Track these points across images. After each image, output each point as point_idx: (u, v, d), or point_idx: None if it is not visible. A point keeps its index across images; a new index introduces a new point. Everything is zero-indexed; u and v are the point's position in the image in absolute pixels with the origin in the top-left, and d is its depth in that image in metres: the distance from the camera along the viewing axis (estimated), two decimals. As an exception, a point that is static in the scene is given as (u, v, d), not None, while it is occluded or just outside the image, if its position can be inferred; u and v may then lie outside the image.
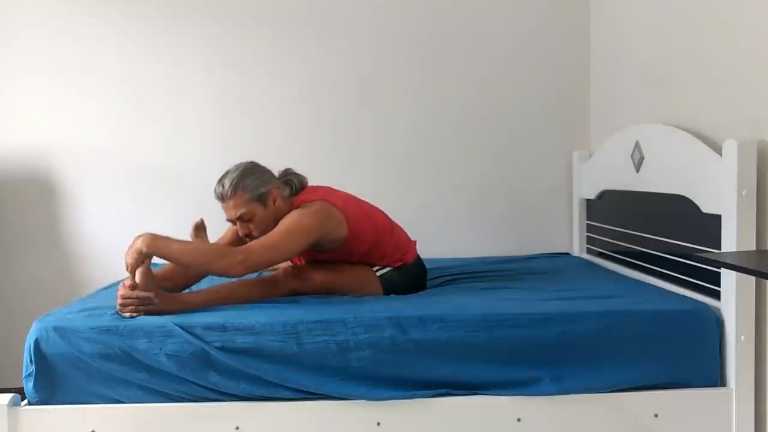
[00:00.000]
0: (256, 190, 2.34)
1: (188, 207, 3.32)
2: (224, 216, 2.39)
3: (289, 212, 2.37)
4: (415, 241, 2.67)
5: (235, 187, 2.32)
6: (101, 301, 2.41)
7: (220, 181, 2.35)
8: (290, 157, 3.34)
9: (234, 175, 2.34)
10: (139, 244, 2.17)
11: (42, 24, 3.29)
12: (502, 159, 3.42)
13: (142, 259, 2.18)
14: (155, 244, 2.18)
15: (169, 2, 3.32)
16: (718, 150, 2.20)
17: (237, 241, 2.46)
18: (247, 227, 2.35)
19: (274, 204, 2.38)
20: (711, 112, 2.38)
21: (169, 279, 2.39)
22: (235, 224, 2.39)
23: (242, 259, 2.19)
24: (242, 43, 3.35)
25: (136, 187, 3.35)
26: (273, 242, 2.26)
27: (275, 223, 2.33)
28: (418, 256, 2.65)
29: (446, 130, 3.39)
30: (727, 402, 2.13)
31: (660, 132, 2.59)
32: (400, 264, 2.55)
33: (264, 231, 2.32)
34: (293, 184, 2.48)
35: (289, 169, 2.52)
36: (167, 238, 2.20)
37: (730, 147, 2.12)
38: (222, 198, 2.34)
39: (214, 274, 2.34)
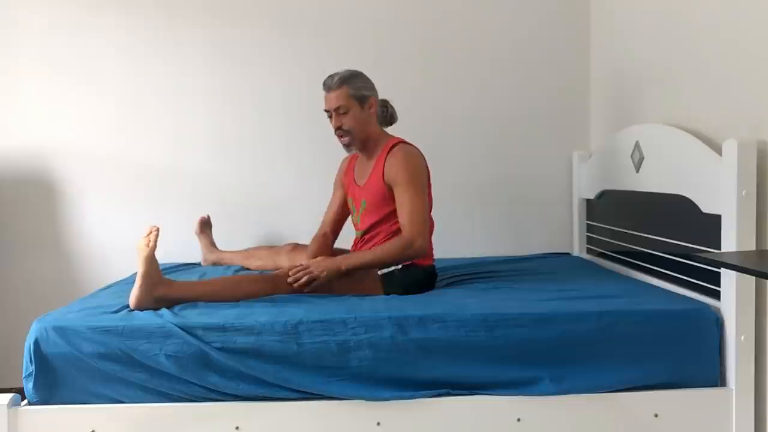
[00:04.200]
0: (359, 91, 2.59)
1: (188, 207, 3.32)
2: (323, 107, 2.63)
3: (378, 136, 2.66)
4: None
5: (343, 82, 2.57)
6: (101, 301, 2.42)
7: (332, 75, 2.59)
8: (292, 156, 3.36)
9: (345, 72, 2.59)
10: (342, 268, 2.45)
11: (42, 24, 3.28)
12: (502, 159, 3.42)
13: (332, 279, 2.44)
14: (349, 263, 2.47)
15: (170, 2, 3.32)
16: (718, 150, 2.20)
17: (341, 212, 2.85)
18: (340, 120, 2.59)
19: (369, 110, 2.62)
20: (711, 112, 2.38)
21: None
22: (330, 116, 2.62)
23: (416, 233, 2.47)
24: (243, 43, 3.35)
25: (137, 187, 3.34)
26: (416, 208, 2.50)
27: (365, 126, 2.60)
28: (434, 267, 2.66)
29: (446, 130, 3.39)
30: (727, 402, 2.13)
31: (660, 132, 2.59)
32: (409, 262, 2.56)
33: (353, 128, 2.59)
34: (387, 109, 2.71)
35: (388, 101, 2.74)
36: (350, 257, 2.51)
37: (730, 147, 2.12)
38: (328, 88, 2.59)
39: (400, 261, 2.52)
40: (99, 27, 3.30)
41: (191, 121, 3.36)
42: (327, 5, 3.36)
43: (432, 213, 2.71)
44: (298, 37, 3.36)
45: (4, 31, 3.28)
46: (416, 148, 2.65)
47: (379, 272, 2.53)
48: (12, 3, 3.27)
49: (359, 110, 2.59)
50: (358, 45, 3.36)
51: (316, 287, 2.43)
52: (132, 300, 2.25)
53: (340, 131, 2.61)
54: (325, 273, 2.42)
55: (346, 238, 2.88)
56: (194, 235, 3.22)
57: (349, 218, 2.83)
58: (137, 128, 3.34)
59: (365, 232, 2.66)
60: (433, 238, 2.69)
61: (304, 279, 2.41)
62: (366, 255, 2.50)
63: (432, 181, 2.69)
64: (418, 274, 2.57)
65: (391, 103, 2.74)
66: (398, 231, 2.56)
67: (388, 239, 2.58)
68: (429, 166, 2.66)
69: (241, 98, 3.36)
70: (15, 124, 3.30)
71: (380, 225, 2.61)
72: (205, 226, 3.23)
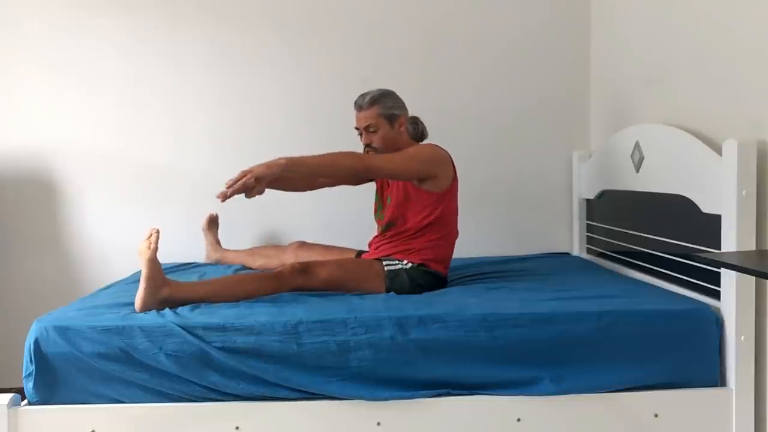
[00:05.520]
0: (389, 110, 2.66)
1: (188, 207, 3.32)
2: (354, 124, 2.70)
3: (407, 147, 2.68)
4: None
5: (373, 102, 2.64)
6: (101, 300, 2.42)
7: (363, 94, 2.67)
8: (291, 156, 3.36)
9: (376, 92, 2.67)
10: (282, 161, 2.33)
11: (43, 24, 3.28)
12: (502, 159, 3.42)
13: (275, 174, 2.32)
14: (294, 161, 2.37)
15: (170, 3, 3.32)
16: (718, 150, 2.20)
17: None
18: (370, 138, 2.66)
19: (399, 128, 2.69)
20: (711, 112, 2.38)
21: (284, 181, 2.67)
22: (360, 134, 2.69)
23: (365, 157, 2.57)
24: (243, 43, 3.35)
25: (137, 187, 3.34)
26: (394, 157, 2.59)
27: (394, 144, 2.66)
28: (446, 277, 2.66)
29: (446, 130, 3.37)
30: (727, 402, 2.13)
31: (660, 132, 2.59)
32: (420, 262, 2.57)
33: (382, 146, 2.65)
34: (417, 126, 2.79)
35: (418, 117, 2.82)
36: (300, 157, 2.40)
37: (730, 147, 2.12)
38: (359, 108, 2.67)
39: (342, 172, 2.62)
40: (99, 27, 3.30)
41: (191, 121, 3.35)
42: (326, 5, 3.36)
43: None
44: (298, 37, 3.36)
45: (4, 31, 3.28)
46: (440, 147, 2.67)
47: (385, 269, 2.54)
48: (13, 3, 3.27)
49: (388, 129, 2.66)
50: (358, 45, 3.36)
51: (254, 184, 2.31)
52: (137, 303, 2.24)
53: (368, 148, 2.67)
54: (263, 168, 2.30)
55: (363, 235, 2.90)
56: (201, 231, 3.24)
57: (372, 214, 2.84)
58: (137, 128, 3.34)
59: (387, 228, 2.68)
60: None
61: (239, 182, 2.29)
62: (314, 156, 2.44)
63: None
64: (426, 278, 2.57)
65: (421, 119, 2.80)
66: (425, 227, 2.59)
67: (413, 237, 2.60)
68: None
69: (240, 98, 3.36)
70: (15, 124, 3.30)
71: (405, 221, 2.63)
72: (212, 223, 3.25)
